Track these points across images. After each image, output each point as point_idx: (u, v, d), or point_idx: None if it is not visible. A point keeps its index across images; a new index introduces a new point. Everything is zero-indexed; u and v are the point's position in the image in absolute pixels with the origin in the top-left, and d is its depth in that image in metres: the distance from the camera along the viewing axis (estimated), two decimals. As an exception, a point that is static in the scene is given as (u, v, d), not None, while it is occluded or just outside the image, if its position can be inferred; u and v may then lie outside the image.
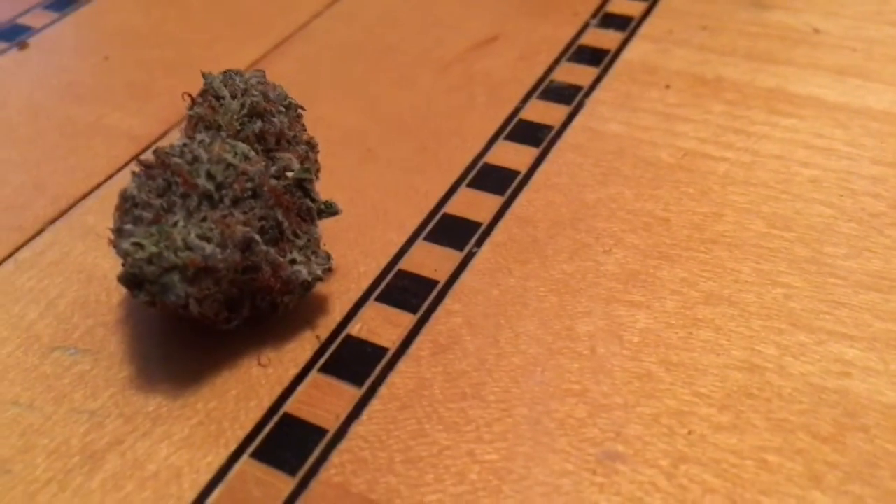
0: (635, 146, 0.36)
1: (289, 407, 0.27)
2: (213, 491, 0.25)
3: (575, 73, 0.41)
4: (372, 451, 0.26)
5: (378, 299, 0.31)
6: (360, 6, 0.48)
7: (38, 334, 0.30)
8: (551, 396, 0.27)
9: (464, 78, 0.41)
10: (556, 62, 0.42)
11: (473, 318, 0.30)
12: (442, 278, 0.31)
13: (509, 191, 0.35)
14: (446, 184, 0.35)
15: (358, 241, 0.33)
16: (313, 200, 0.29)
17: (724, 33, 0.43)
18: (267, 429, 0.27)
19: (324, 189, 0.32)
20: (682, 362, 0.28)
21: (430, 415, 0.27)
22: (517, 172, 0.35)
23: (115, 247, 0.27)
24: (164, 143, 0.39)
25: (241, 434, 0.27)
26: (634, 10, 0.45)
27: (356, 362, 0.28)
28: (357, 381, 0.28)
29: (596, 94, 0.40)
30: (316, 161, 0.30)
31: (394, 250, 0.32)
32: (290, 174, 0.28)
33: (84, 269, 0.33)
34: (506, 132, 0.38)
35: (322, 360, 0.29)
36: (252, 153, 0.27)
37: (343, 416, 0.27)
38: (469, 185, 0.35)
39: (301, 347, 0.29)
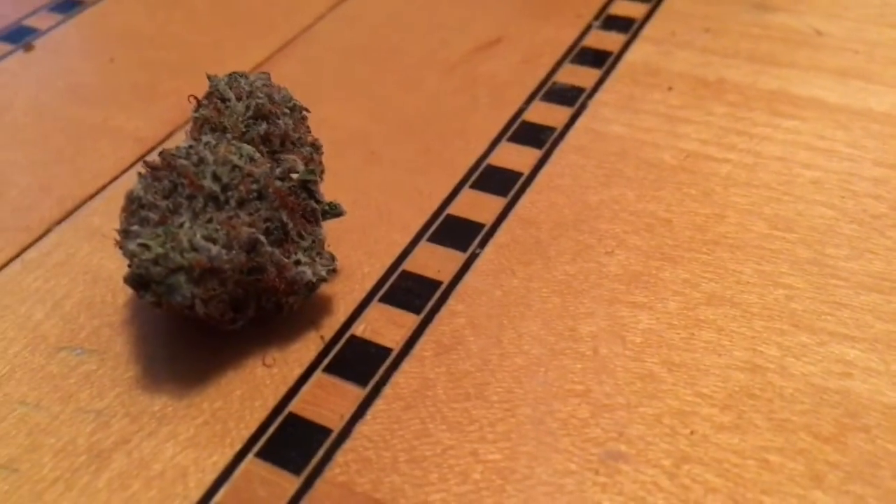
0: (638, 148, 0.37)
1: (293, 407, 0.27)
2: (219, 490, 0.25)
3: (577, 75, 0.41)
4: (376, 450, 0.26)
5: (382, 300, 0.31)
6: (365, 8, 0.48)
7: (45, 334, 0.30)
8: (554, 396, 0.27)
9: (467, 80, 0.41)
10: (559, 64, 0.42)
11: (477, 319, 0.30)
12: (445, 279, 0.31)
13: (512, 192, 0.35)
14: (450, 185, 0.35)
15: (362, 242, 0.33)
16: (318, 202, 0.29)
17: (727, 35, 0.43)
18: (272, 428, 0.27)
19: (328, 190, 0.32)
20: (685, 363, 0.28)
21: (434, 415, 0.27)
22: (520, 174, 0.36)
23: (121, 248, 0.27)
24: (169, 144, 0.39)
25: (247, 434, 0.27)
26: (637, 11, 0.45)
27: (360, 362, 0.29)
28: (361, 381, 0.28)
29: (598, 95, 0.40)
30: (320, 163, 0.30)
31: (397, 251, 0.33)
32: (294, 176, 0.28)
33: (90, 269, 0.33)
34: (509, 133, 0.38)
35: (326, 361, 0.29)
36: (257, 155, 0.28)
37: (347, 416, 0.27)
38: (472, 187, 0.35)
39: (305, 348, 0.29)
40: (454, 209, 0.34)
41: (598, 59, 0.42)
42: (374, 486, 0.25)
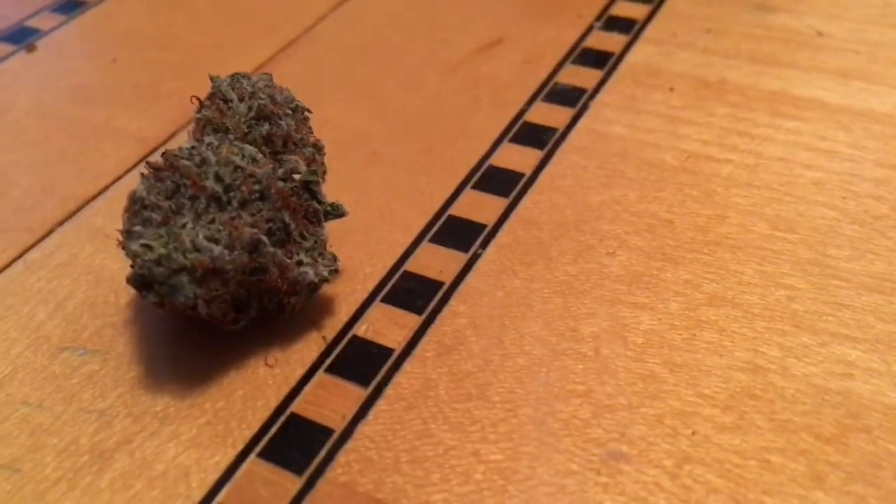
0: (639, 148, 0.37)
1: (295, 407, 0.27)
2: (221, 490, 0.25)
3: (579, 76, 0.41)
4: (378, 450, 0.26)
5: (384, 300, 0.31)
6: (366, 9, 0.48)
7: (48, 335, 0.30)
8: (556, 397, 0.27)
9: (469, 80, 0.41)
10: (561, 65, 0.42)
11: (478, 320, 0.30)
12: (447, 279, 0.31)
13: (514, 193, 0.35)
14: (451, 186, 0.35)
15: (364, 242, 0.33)
16: (320, 202, 0.29)
17: (728, 36, 0.43)
18: (274, 429, 0.27)
19: (330, 191, 0.32)
20: (686, 363, 0.28)
21: (436, 415, 0.27)
22: (522, 174, 0.36)
23: (124, 248, 0.27)
24: (171, 145, 0.39)
25: (249, 434, 0.27)
26: (638, 12, 0.45)
27: (362, 363, 0.29)
28: (363, 381, 0.28)
29: (600, 96, 0.40)
30: (322, 163, 0.30)
31: (399, 252, 0.33)
32: (297, 176, 0.28)
33: (92, 270, 0.33)
34: (510, 134, 0.38)
35: (328, 361, 0.29)
36: (259, 156, 0.28)
37: (349, 417, 0.27)
38: (474, 187, 0.35)
39: (308, 348, 0.29)
40: (456, 210, 0.34)
41: (600, 60, 0.42)
42: (375, 486, 0.25)
